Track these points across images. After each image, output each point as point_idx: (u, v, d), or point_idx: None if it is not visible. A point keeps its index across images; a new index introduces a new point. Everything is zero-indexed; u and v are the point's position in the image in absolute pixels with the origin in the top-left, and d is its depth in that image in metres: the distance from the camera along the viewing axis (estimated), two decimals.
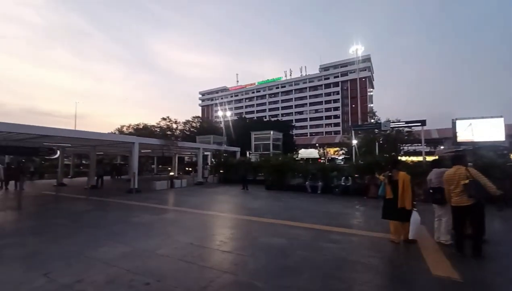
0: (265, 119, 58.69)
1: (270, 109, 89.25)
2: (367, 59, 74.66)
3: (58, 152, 17.22)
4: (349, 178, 11.90)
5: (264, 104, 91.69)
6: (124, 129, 46.56)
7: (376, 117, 28.49)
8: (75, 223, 6.66)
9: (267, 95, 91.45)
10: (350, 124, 62.07)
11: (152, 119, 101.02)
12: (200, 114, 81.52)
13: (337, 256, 4.19)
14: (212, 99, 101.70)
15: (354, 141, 21.51)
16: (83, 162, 33.28)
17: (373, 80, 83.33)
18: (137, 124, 47.26)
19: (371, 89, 79.91)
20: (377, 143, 21.12)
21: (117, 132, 45.61)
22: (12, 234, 5.69)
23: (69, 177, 21.96)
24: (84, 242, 4.95)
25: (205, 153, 21.91)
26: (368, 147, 21.86)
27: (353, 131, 22.45)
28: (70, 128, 15.01)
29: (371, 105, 71.31)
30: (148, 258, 4.08)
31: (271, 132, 23.71)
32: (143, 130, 41.38)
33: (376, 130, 23.16)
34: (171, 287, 3.14)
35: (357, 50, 70.59)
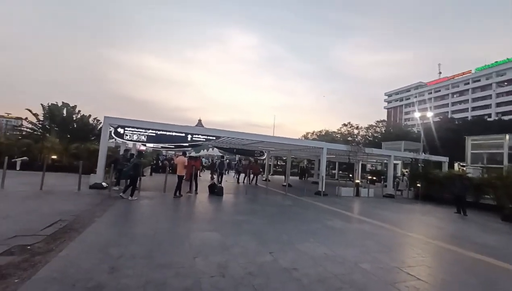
0: (488, 119, 41.76)
1: (498, 105, 62.06)
2: None
3: (265, 154, 22.17)
4: None
5: (486, 97, 65.17)
6: (309, 136, 51.90)
7: None
8: (282, 214, 7.98)
9: (493, 85, 63.78)
10: None
11: (333, 126, 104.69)
12: (385, 118, 73.25)
13: None
14: (401, 100, 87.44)
15: None
16: (278, 163, 40.68)
17: None
18: (320, 131, 50.89)
19: None
20: None
21: (302, 138, 51.73)
22: (244, 213, 7.76)
23: (271, 174, 27.64)
24: (292, 233, 5.67)
25: (394, 162, 19.02)
26: None
27: None
28: (270, 136, 18.91)
29: None
30: (352, 270, 3.85)
31: (507, 136, 16.11)
32: (325, 136, 43.80)
33: None
34: None
35: None
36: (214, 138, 11.66)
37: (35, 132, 19.53)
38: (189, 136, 10.36)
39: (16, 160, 13.94)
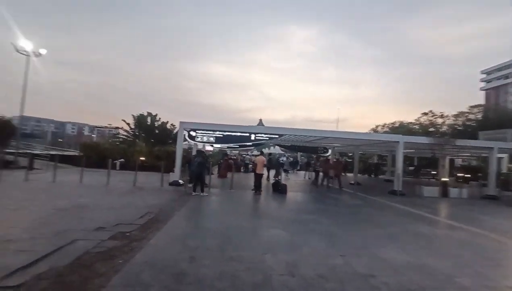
0: None
1: None
2: None
3: (330, 151, 21.09)
4: None
5: None
6: (379, 129, 46.82)
7: None
8: (353, 215, 7.41)
9: None
10: None
11: (409, 116, 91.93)
12: (481, 102, 59.92)
13: None
14: (506, 77, 69.57)
15: None
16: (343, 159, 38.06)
17: None
18: (392, 123, 45.33)
19: None
20: None
21: (371, 132, 47.05)
22: (310, 212, 7.51)
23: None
24: (366, 236, 5.18)
25: (498, 155, 15.29)
26: None
27: None
28: (336, 131, 17.74)
29: None
30: (445, 284, 3.23)
31: None
32: (399, 129, 38.73)
33: None
34: None
35: None
36: (276, 136, 11.73)
37: (129, 139, 23.56)
38: (253, 135, 10.73)
39: (116, 161, 17.08)
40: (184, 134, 10.71)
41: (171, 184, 10.54)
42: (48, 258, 3.36)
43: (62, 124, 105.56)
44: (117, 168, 16.94)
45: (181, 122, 10.77)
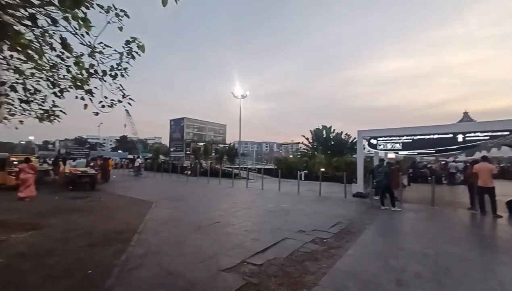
0: None
1: None
2: None
3: None
4: None
5: None
6: None
7: None
8: None
9: None
10: None
11: None
12: None
13: None
14: None
15: None
16: None
17: None
18: None
19: None
20: None
21: None
22: None
23: None
24: None
25: None
26: None
27: None
28: None
29: None
30: None
31: None
32: None
33: None
34: None
35: None
36: (507, 133, 8.04)
37: (308, 152, 26.18)
38: (460, 136, 8.08)
39: (301, 173, 19.42)
40: (364, 144, 10.20)
41: (355, 195, 10.30)
42: (271, 249, 4.34)
43: (260, 144, 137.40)
44: (302, 178, 19.21)
45: (359, 131, 10.38)
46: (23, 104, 4.11)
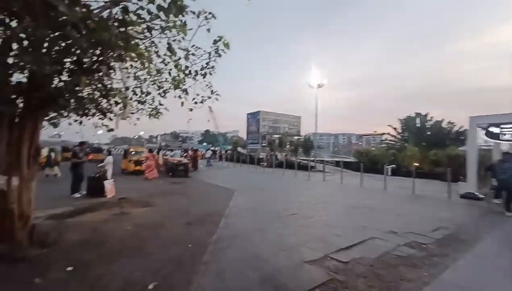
0: None
1: None
2: None
3: None
4: None
5: None
6: None
7: None
8: None
9: None
10: None
11: None
12: None
13: None
14: None
15: None
16: None
17: None
18: None
19: None
20: None
21: None
22: None
23: None
24: None
25: None
26: None
27: None
28: None
29: None
30: None
31: None
32: None
33: None
34: None
35: None
36: None
37: (396, 144, 22.95)
38: None
39: (387, 167, 17.24)
40: (479, 133, 8.08)
41: (463, 196, 8.40)
42: (357, 246, 4.01)
43: (336, 136, 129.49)
44: (388, 173, 17.04)
45: (471, 118, 8.26)
46: (139, 105, 5.07)
